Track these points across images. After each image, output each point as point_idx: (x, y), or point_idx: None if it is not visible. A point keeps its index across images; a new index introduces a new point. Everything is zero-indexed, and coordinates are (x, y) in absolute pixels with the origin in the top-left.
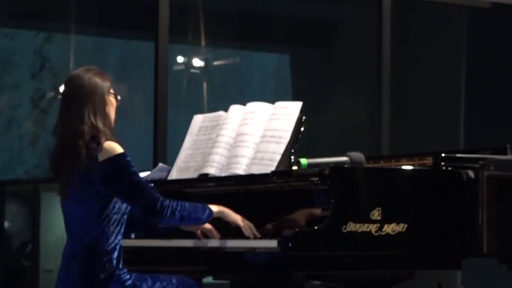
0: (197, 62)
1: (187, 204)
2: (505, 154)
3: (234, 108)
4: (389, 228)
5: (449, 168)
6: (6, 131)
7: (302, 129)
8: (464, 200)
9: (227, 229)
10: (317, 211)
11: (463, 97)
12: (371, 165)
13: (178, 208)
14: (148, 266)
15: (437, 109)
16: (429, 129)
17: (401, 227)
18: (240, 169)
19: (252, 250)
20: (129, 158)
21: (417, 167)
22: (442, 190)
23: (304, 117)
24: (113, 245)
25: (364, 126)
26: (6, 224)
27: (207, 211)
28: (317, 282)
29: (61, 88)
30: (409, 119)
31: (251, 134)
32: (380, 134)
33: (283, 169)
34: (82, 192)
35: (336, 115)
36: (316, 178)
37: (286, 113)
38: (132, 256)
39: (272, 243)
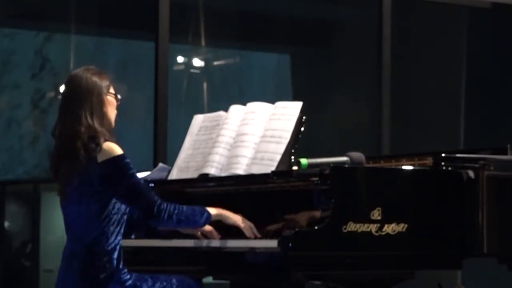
0: (197, 62)
1: (185, 207)
2: (505, 154)
3: (234, 108)
4: (389, 228)
5: (449, 168)
6: (6, 131)
7: (302, 129)
8: (464, 200)
9: (227, 229)
10: (317, 211)
11: (463, 97)
12: (371, 165)
13: (176, 211)
14: (148, 266)
15: (437, 109)
16: (429, 129)
17: (401, 227)
18: (240, 169)
19: (252, 250)
20: (128, 160)
21: (417, 167)
22: (442, 190)
23: (304, 117)
24: (113, 245)
25: (364, 126)
26: (6, 224)
27: (205, 215)
28: (317, 282)
29: (61, 88)
30: (409, 119)
31: (251, 134)
32: (380, 134)
33: (283, 169)
34: (82, 192)
35: (336, 115)
36: (316, 178)
37: (286, 113)
38: (132, 256)
39: (272, 243)
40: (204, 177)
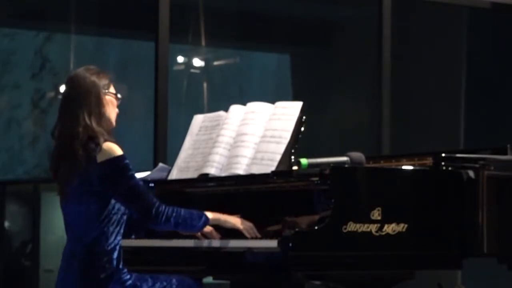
0: (197, 62)
1: (183, 211)
2: (505, 154)
3: (234, 108)
4: (389, 228)
5: (449, 168)
6: (6, 131)
7: (302, 129)
8: (464, 200)
9: (227, 229)
10: (317, 211)
11: (463, 97)
12: (371, 165)
13: (174, 214)
14: (148, 266)
15: (437, 109)
16: (429, 129)
17: (401, 227)
18: (240, 169)
19: (252, 250)
20: (127, 161)
21: (417, 167)
22: (442, 190)
23: (304, 117)
24: (112, 245)
25: (364, 126)
26: (6, 224)
27: (203, 219)
28: (317, 282)
29: (62, 88)
30: (409, 119)
31: (251, 134)
32: (380, 134)
33: (283, 169)
34: (82, 192)
35: (336, 115)
36: (316, 178)
37: (286, 113)
38: (132, 256)
39: (272, 243)
40: (204, 177)
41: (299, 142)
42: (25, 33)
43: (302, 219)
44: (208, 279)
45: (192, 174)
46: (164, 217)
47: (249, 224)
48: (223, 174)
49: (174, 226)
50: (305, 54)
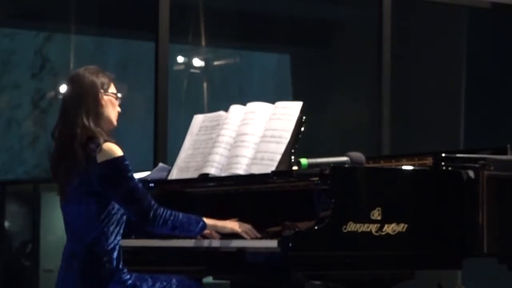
0: (197, 62)
1: (181, 215)
2: (505, 154)
3: (234, 108)
4: (389, 228)
5: (449, 168)
6: (6, 131)
7: (302, 129)
8: (464, 200)
9: None
10: (317, 211)
11: (463, 97)
12: (371, 165)
13: (171, 218)
14: (148, 266)
15: (437, 109)
16: (429, 129)
17: (401, 227)
18: (240, 169)
19: (252, 250)
20: (127, 162)
21: (417, 167)
22: (442, 190)
23: (304, 117)
24: (112, 245)
25: (364, 126)
26: (6, 224)
27: (200, 224)
28: (317, 282)
29: (62, 88)
30: (409, 119)
31: (251, 134)
32: (380, 134)
33: (283, 169)
34: (81, 192)
35: (336, 115)
36: (317, 178)
37: (286, 113)
38: (132, 256)
39: (272, 243)
40: (204, 177)
41: (299, 142)
42: (25, 33)
43: (302, 219)
44: (208, 279)
45: (192, 174)
46: (161, 220)
47: (247, 226)
48: (223, 174)
49: (171, 230)
50: (305, 54)
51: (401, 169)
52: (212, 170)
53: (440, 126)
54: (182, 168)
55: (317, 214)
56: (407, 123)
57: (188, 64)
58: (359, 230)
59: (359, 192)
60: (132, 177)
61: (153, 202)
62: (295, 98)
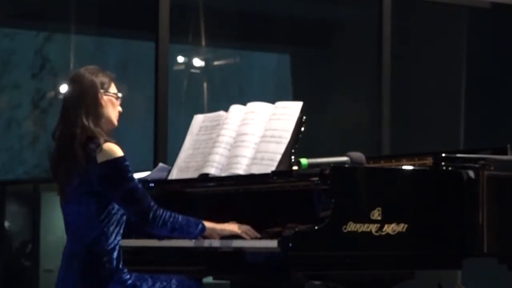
0: (197, 62)
1: (180, 217)
2: (505, 154)
3: (235, 108)
4: (389, 228)
5: (449, 168)
6: (6, 131)
7: (302, 129)
8: (464, 200)
9: None
10: (317, 211)
11: (463, 97)
12: (371, 165)
13: (171, 219)
14: (148, 266)
15: (437, 109)
16: (429, 129)
17: (401, 227)
18: (240, 169)
19: (252, 250)
20: (127, 163)
21: (417, 167)
22: (442, 190)
23: (304, 117)
24: (112, 245)
25: (364, 126)
26: (6, 224)
27: (199, 227)
28: (317, 282)
29: (62, 88)
30: (409, 119)
31: (251, 134)
32: (380, 134)
33: (283, 169)
34: (81, 192)
35: (336, 115)
36: (317, 178)
37: (287, 113)
38: (132, 256)
39: (272, 243)
40: (204, 177)
41: (299, 142)
42: (25, 33)
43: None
44: (208, 279)
45: (192, 174)
46: (161, 221)
47: (246, 227)
48: (223, 174)
49: (171, 231)
50: (305, 54)
51: (401, 169)
52: (212, 170)
53: (440, 126)
54: (182, 168)
55: (317, 214)
56: (407, 123)
57: (188, 64)
58: (359, 230)
59: (359, 192)
60: (132, 178)
61: (153, 203)
62: (295, 98)
